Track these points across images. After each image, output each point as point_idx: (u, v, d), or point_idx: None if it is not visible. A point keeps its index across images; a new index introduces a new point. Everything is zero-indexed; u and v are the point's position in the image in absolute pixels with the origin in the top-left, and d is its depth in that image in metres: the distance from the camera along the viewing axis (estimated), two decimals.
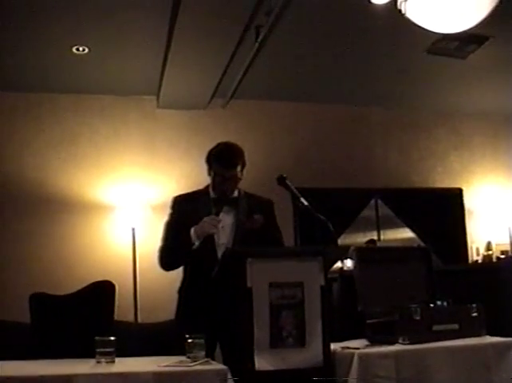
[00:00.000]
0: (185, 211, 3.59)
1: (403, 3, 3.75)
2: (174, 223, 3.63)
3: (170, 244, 3.60)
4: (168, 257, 3.61)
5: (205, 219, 3.45)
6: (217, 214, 3.50)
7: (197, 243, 3.44)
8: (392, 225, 7.47)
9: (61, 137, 6.63)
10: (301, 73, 6.43)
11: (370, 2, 4.85)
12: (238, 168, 3.54)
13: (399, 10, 3.82)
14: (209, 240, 3.49)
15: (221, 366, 2.80)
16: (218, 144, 3.64)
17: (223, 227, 3.53)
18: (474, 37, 5.61)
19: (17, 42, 5.41)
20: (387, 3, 4.79)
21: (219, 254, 3.45)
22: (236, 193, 3.64)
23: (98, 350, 2.87)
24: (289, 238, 3.89)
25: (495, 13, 3.77)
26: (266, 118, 7.20)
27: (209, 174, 3.62)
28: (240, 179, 3.59)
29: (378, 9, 4.92)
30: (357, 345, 3.18)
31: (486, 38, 5.69)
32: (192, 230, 3.45)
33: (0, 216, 6.30)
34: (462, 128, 7.86)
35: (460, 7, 3.67)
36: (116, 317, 4.30)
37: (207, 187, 3.67)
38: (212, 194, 3.62)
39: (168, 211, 3.69)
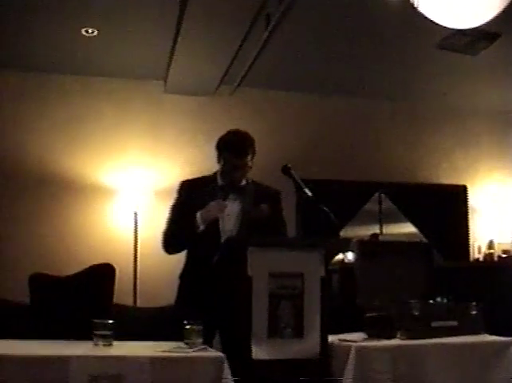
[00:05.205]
0: (191, 196, 3.57)
1: None
2: (180, 207, 3.62)
3: (175, 227, 3.58)
4: (172, 240, 3.59)
5: (211, 203, 3.44)
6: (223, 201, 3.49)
7: (202, 227, 3.43)
8: (395, 219, 7.44)
9: (67, 118, 6.61)
10: (309, 63, 6.39)
11: None
12: (249, 157, 3.52)
13: (412, 4, 3.80)
14: (214, 226, 3.47)
15: (217, 353, 2.80)
16: (229, 132, 3.61)
17: (229, 214, 3.52)
18: (485, 34, 5.57)
19: (27, 22, 5.38)
20: None
21: None
22: (244, 181, 3.61)
23: (96, 333, 2.87)
24: (291, 228, 3.87)
25: (508, 10, 3.75)
26: (273, 107, 7.17)
27: (218, 161, 3.59)
28: (250, 167, 3.56)
29: (391, 1, 4.90)
30: (355, 338, 3.18)
31: (498, 35, 5.65)
32: (198, 214, 3.43)
33: (1, 195, 6.30)
34: (470, 125, 7.82)
35: (473, 3, 3.64)
36: (115, 301, 4.30)
37: (215, 173, 3.64)
38: (220, 181, 3.60)
39: (174, 195, 3.68)
